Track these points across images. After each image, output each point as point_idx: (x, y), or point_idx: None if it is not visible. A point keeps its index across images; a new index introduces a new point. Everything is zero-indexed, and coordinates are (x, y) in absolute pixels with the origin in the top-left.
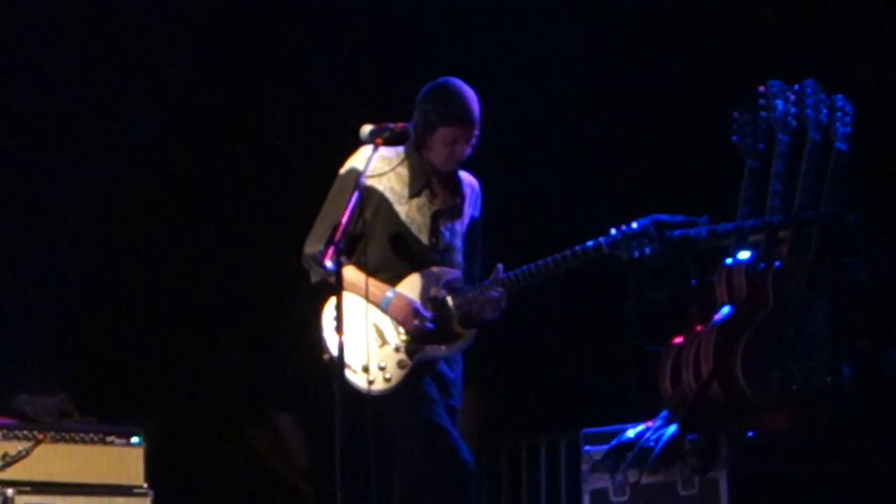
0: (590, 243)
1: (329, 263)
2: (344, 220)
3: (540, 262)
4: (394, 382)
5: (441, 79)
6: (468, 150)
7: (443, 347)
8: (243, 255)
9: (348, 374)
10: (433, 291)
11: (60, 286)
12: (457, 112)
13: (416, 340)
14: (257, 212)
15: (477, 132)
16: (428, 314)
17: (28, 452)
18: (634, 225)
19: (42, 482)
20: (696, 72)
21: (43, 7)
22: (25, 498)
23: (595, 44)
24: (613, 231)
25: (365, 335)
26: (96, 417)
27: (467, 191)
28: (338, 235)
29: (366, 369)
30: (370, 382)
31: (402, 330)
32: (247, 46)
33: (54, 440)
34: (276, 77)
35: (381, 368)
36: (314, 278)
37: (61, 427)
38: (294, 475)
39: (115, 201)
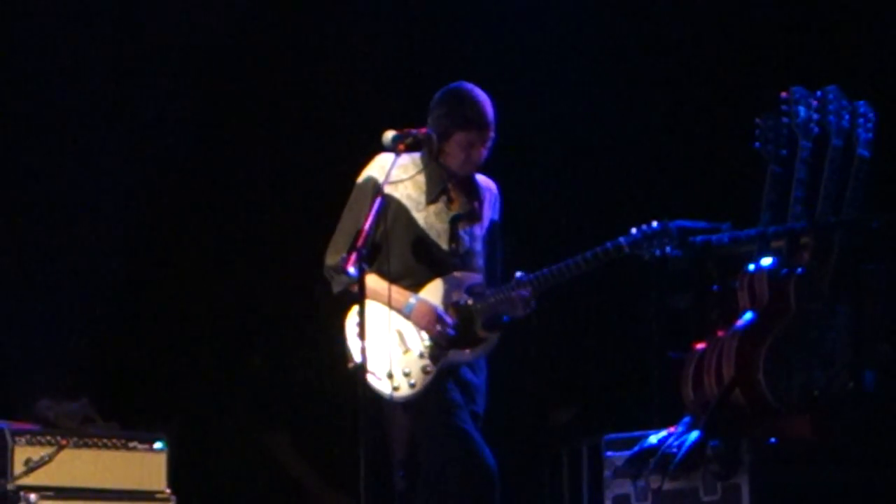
0: (610, 243)
1: (352, 269)
2: (367, 226)
3: (561, 263)
4: (418, 388)
5: (454, 83)
6: (485, 153)
7: (467, 351)
8: (265, 263)
9: (373, 381)
10: (455, 296)
11: (83, 292)
12: (472, 116)
13: (440, 346)
14: (280, 221)
15: (492, 135)
16: (451, 320)
17: (51, 458)
18: (655, 224)
19: (65, 487)
20: (719, 78)
21: (67, 7)
22: (48, 503)
23: (617, 48)
24: (634, 230)
25: (389, 342)
26: (119, 423)
27: (485, 194)
28: (360, 241)
29: (390, 376)
30: (395, 389)
31: (425, 336)
32: (265, 53)
33: (77, 446)
34: (297, 88)
35: (406, 374)
36: (336, 289)
37: (84, 432)
38: (319, 482)
39: (138, 208)
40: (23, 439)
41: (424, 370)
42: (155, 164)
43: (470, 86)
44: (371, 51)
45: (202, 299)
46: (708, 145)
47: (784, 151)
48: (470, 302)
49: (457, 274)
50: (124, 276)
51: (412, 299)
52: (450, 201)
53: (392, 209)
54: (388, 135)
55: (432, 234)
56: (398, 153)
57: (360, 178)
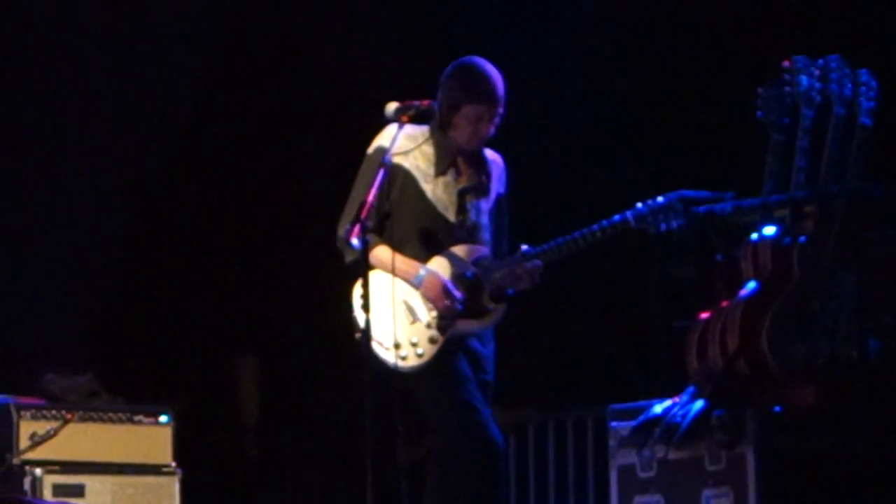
0: (616, 217)
1: (355, 241)
2: (370, 198)
3: (567, 237)
4: (426, 358)
5: (465, 57)
6: (492, 129)
7: (474, 323)
8: (269, 236)
9: (380, 350)
10: (462, 268)
11: (87, 265)
12: (481, 90)
13: (447, 317)
14: (286, 191)
15: (501, 110)
16: (458, 295)
17: (56, 432)
18: (660, 199)
19: (70, 462)
20: (721, 47)
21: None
22: (54, 477)
23: (620, 18)
24: (639, 205)
25: (396, 312)
26: (124, 396)
27: (493, 168)
28: (364, 213)
29: (397, 346)
30: (403, 359)
31: (433, 306)
32: (274, 22)
33: (82, 419)
34: (305, 54)
35: (413, 344)
36: (348, 258)
37: (89, 406)
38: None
39: (140, 182)
40: (28, 413)
41: (432, 340)
42: (154, 138)
43: (481, 60)
44: (378, 25)
45: (208, 272)
46: (710, 115)
47: (786, 120)
48: (477, 274)
49: (463, 246)
50: (128, 250)
51: (421, 271)
52: (458, 174)
53: (400, 179)
54: (391, 106)
55: (440, 207)
56: (401, 125)
57: (371, 148)
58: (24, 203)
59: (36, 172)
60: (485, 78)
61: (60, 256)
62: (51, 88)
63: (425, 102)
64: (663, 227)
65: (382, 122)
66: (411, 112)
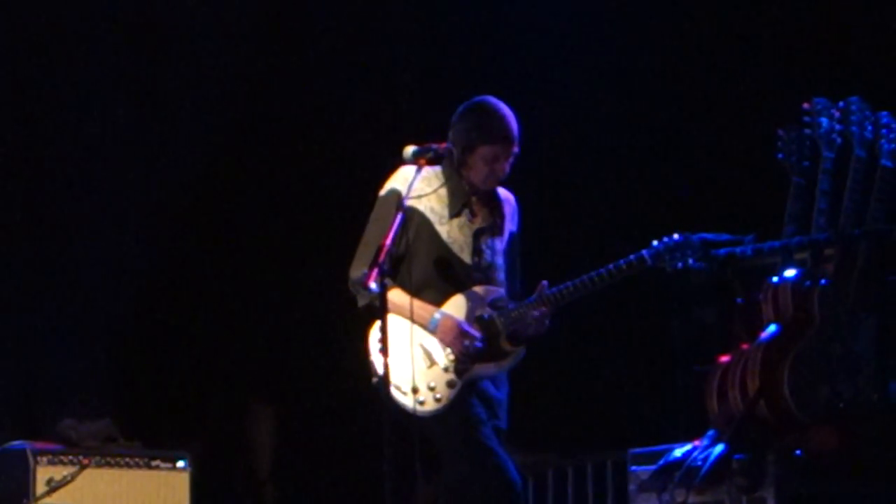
0: (633, 256)
1: (373, 285)
2: (388, 241)
3: (584, 276)
4: (444, 402)
5: (478, 97)
6: (507, 169)
7: (492, 365)
8: (287, 281)
9: (398, 395)
10: (479, 310)
11: (105, 311)
12: (497, 130)
13: (465, 360)
14: (301, 240)
15: (516, 149)
16: (476, 334)
17: (73, 477)
18: (677, 236)
19: None
20: (741, 89)
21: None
22: None
23: (639, 61)
24: (655, 243)
25: (413, 356)
26: (142, 442)
27: (506, 207)
28: (381, 257)
29: (415, 390)
30: (421, 403)
31: (449, 350)
32: (289, 65)
33: (99, 465)
34: (318, 96)
35: (431, 388)
36: (361, 302)
37: (106, 452)
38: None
39: (161, 228)
40: (45, 459)
41: (450, 384)
42: (171, 186)
43: (494, 100)
44: (389, 66)
45: (225, 318)
46: (730, 157)
47: (807, 163)
48: (494, 316)
49: (479, 288)
50: (146, 296)
51: (437, 314)
52: (472, 215)
53: (415, 222)
54: (409, 149)
55: (455, 248)
56: (419, 167)
57: (384, 191)
58: (43, 248)
59: (55, 217)
60: (499, 118)
61: (78, 302)
62: (75, 138)
63: (443, 145)
64: (680, 264)
65: (392, 166)
66: (429, 155)
